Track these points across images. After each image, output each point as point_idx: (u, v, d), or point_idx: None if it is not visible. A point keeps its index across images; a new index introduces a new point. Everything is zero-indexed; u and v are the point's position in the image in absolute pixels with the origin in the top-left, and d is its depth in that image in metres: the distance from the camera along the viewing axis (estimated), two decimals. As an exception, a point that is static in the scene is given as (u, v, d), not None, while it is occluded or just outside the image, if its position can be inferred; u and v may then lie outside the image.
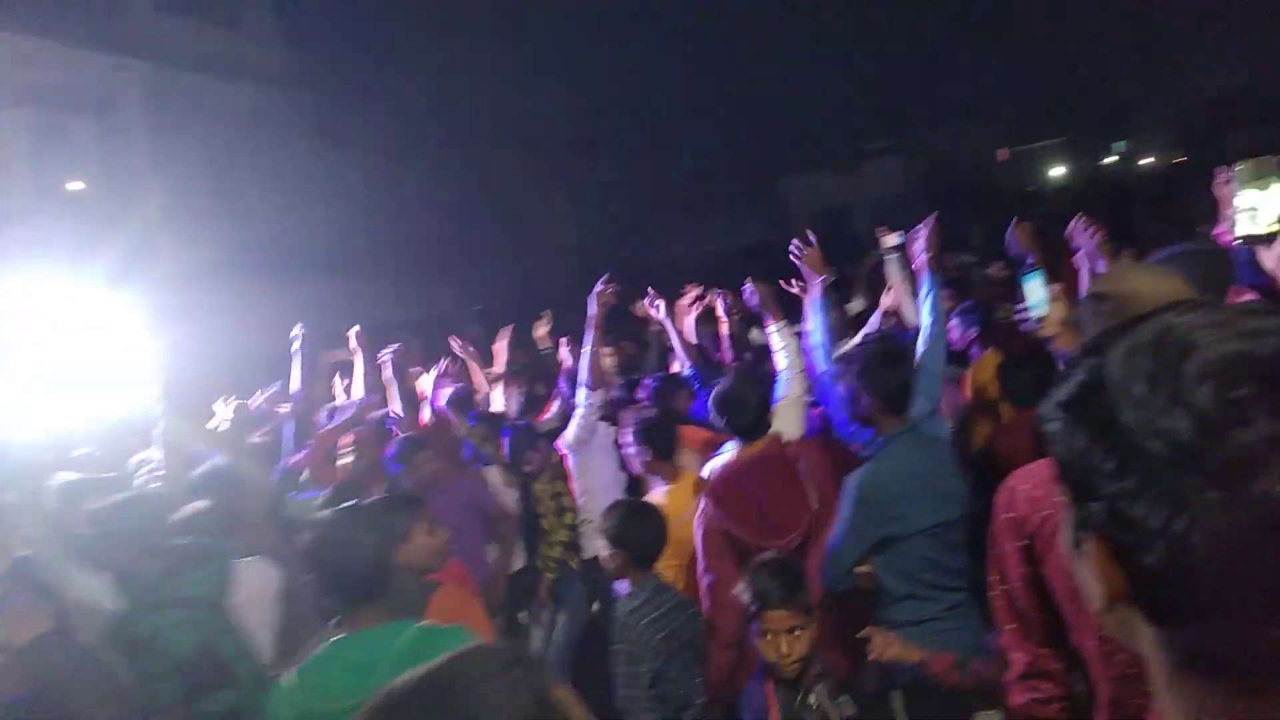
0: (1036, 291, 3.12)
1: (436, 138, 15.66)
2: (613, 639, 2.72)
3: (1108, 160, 24.02)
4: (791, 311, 4.05)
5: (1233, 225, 3.42)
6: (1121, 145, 24.08)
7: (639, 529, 2.79)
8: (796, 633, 2.22)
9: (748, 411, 3.21)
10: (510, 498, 4.44)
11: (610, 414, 4.42)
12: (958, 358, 4.48)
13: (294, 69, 14.67)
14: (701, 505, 3.10)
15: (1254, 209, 3.40)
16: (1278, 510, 0.59)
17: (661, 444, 3.51)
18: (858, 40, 22.67)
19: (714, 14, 21.48)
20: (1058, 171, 24.12)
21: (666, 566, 2.99)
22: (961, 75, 23.04)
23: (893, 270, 4.34)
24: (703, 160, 21.71)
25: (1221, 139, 17.94)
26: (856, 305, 5.45)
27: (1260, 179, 3.46)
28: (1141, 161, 23.23)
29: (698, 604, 2.93)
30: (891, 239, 3.96)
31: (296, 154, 13.50)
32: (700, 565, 3.05)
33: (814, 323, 3.66)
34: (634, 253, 19.31)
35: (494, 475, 4.45)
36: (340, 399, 5.06)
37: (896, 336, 3.73)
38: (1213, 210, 3.81)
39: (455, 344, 5.58)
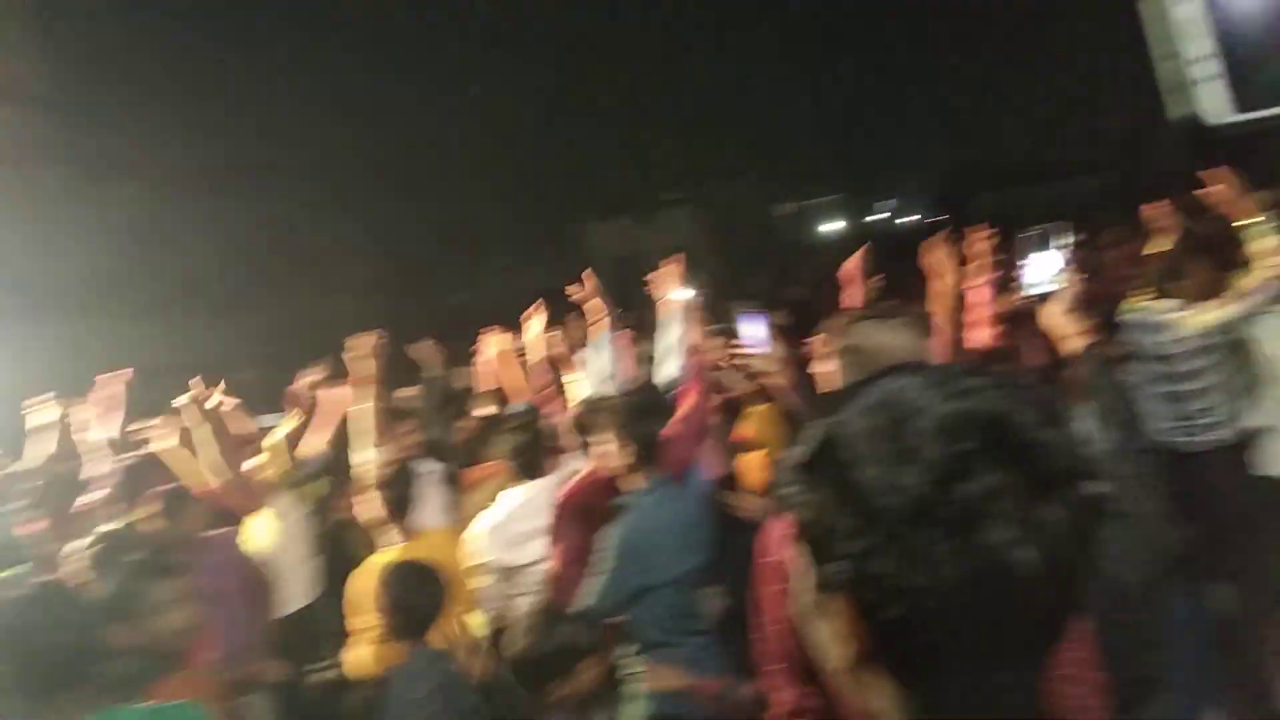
0: (756, 331, 3.38)
1: (214, 167, 14.73)
2: (380, 715, 2.52)
3: (877, 218, 26.15)
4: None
5: (1022, 283, 3.84)
6: (890, 204, 26.33)
7: (417, 593, 2.64)
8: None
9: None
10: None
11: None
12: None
13: (51, 88, 13.41)
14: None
15: (1034, 270, 3.86)
16: (997, 559, 0.61)
17: (395, 501, 3.35)
18: (658, 93, 23.57)
19: (518, 59, 21.68)
20: (832, 226, 26.00)
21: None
22: (750, 133, 24.44)
23: (670, 318, 4.45)
24: (503, 203, 21.72)
25: (972, 202, 20.05)
26: (648, 351, 5.54)
27: (1040, 245, 3.92)
28: (905, 219, 25.44)
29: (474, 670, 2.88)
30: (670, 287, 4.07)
31: (53, 180, 12.29)
32: (554, 535, 3.19)
33: (594, 365, 3.75)
34: (430, 294, 18.90)
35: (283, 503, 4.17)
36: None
37: (654, 387, 3.86)
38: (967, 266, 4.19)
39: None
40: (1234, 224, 3.81)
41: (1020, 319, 4.01)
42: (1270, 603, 3.61)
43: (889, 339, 1.75)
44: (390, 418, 4.28)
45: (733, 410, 4.66)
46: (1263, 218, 3.70)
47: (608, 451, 2.94)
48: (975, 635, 0.64)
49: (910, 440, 0.64)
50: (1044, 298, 3.59)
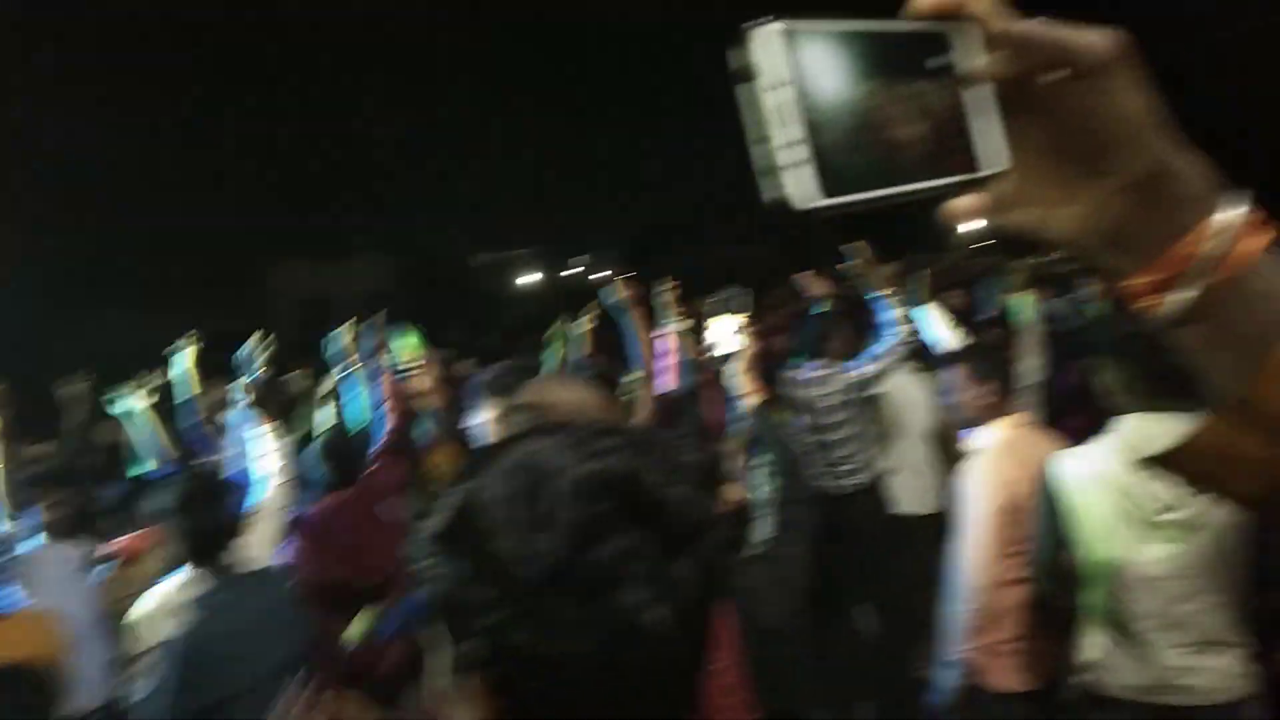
0: (405, 347, 3.42)
1: None
2: None
3: (571, 272, 26.99)
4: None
5: (713, 345, 4.11)
6: (584, 259, 27.33)
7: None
8: None
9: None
10: None
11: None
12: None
13: None
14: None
15: (716, 331, 4.15)
16: (631, 622, 0.61)
17: None
18: (351, 134, 22.77)
19: (190, 86, 19.98)
20: (528, 278, 26.47)
21: None
22: (447, 181, 24.32)
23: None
24: (170, 240, 19.77)
25: (655, 261, 21.37)
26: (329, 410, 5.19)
27: (722, 308, 4.22)
28: (595, 274, 26.52)
29: None
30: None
31: None
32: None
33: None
34: (73, 339, 16.64)
35: None
36: None
37: (215, 472, 3.63)
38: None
39: None
40: (869, 294, 4.37)
41: (703, 376, 4.34)
42: (908, 625, 4.09)
43: (565, 396, 1.77)
44: (31, 483, 3.70)
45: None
46: (890, 291, 4.27)
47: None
48: (613, 701, 0.64)
49: (547, 504, 0.63)
50: (726, 358, 3.87)
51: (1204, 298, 0.50)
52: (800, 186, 0.48)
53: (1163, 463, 0.54)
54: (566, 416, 1.63)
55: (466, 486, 0.67)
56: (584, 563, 0.62)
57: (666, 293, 4.32)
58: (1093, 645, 2.27)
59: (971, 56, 0.52)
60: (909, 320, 4.20)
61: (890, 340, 4.19)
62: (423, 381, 3.20)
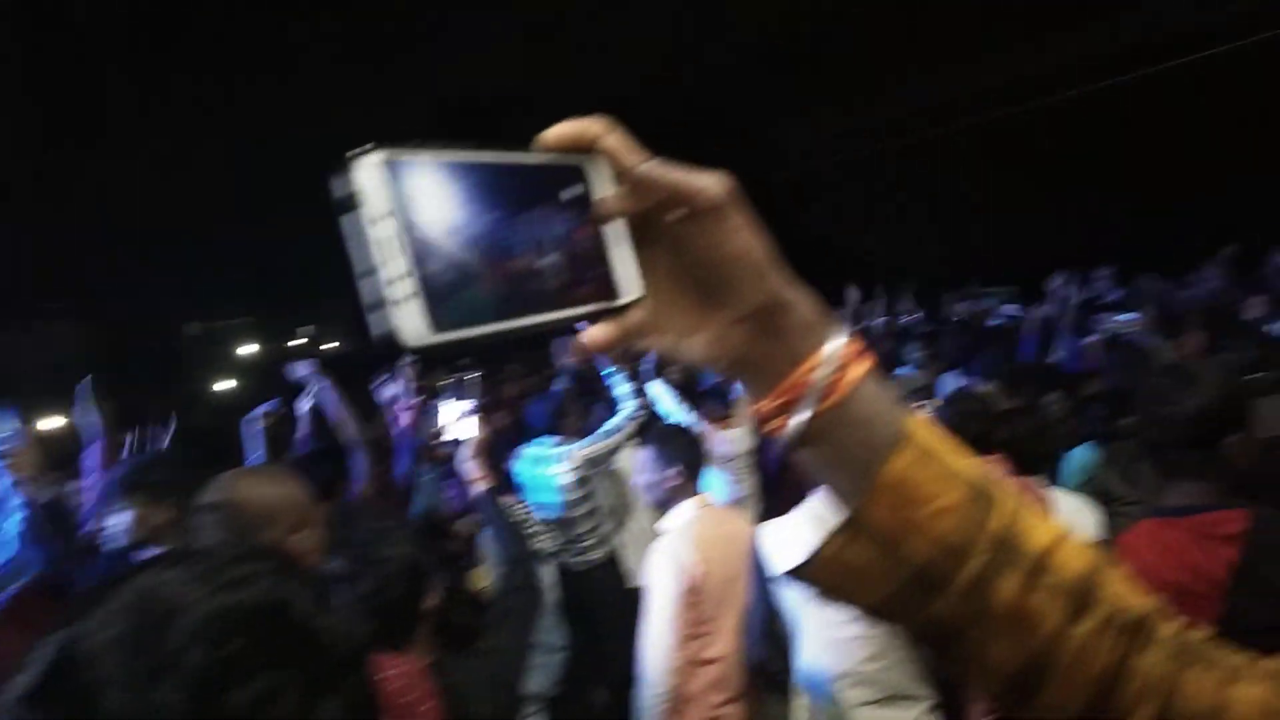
0: (4, 427, 3.10)
1: None
2: None
3: (296, 342, 25.55)
4: None
5: (445, 429, 3.97)
6: (310, 329, 25.98)
7: None
8: None
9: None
10: None
11: None
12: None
13: None
14: None
15: (446, 414, 4.04)
16: None
17: None
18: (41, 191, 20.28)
19: None
20: (248, 348, 24.74)
21: None
22: (154, 249, 22.28)
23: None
24: None
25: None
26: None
27: (453, 391, 4.10)
28: (324, 345, 25.28)
29: None
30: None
31: None
32: None
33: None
34: None
35: None
36: None
37: None
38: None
39: None
40: (602, 370, 4.48)
41: (435, 458, 4.23)
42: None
43: (260, 491, 1.63)
44: None
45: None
46: (618, 368, 4.40)
47: None
48: None
49: (169, 648, 0.56)
50: (456, 443, 3.79)
51: (815, 422, 0.54)
52: (409, 322, 0.46)
53: (795, 574, 0.57)
54: (258, 517, 1.50)
55: (68, 632, 0.58)
56: (216, 710, 0.54)
57: (403, 368, 4.20)
58: (800, 708, 2.39)
59: (602, 190, 0.52)
60: (642, 394, 4.33)
61: (624, 414, 4.28)
62: (20, 467, 2.79)
